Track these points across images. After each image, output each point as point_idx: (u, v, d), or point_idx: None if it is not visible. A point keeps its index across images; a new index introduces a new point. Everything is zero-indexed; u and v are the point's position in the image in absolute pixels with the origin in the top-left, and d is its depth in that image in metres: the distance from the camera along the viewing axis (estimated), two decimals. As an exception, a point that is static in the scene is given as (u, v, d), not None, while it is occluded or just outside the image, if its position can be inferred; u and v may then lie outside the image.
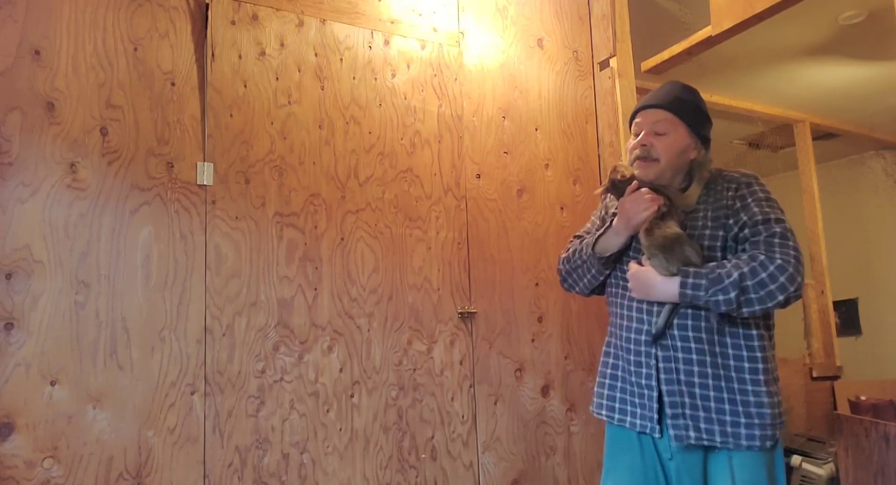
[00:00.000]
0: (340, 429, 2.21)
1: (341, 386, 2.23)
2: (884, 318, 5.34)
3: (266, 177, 2.23)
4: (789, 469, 3.26)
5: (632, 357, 1.67)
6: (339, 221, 2.32)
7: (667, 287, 1.59)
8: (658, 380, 1.60)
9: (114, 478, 1.89)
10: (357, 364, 2.27)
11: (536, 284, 2.64)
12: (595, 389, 1.80)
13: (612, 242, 1.73)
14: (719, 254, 1.63)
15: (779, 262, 1.51)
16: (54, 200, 1.93)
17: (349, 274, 2.30)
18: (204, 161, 2.14)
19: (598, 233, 1.76)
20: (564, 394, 2.63)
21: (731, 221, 1.64)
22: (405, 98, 2.51)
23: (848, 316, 5.45)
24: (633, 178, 1.72)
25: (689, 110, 1.73)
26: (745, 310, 1.52)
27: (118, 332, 1.95)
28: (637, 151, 1.73)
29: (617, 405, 1.72)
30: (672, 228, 1.64)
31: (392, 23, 2.53)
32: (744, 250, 1.59)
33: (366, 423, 2.25)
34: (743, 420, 1.54)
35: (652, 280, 1.62)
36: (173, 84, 2.13)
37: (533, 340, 2.60)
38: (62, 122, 1.97)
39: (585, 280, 1.84)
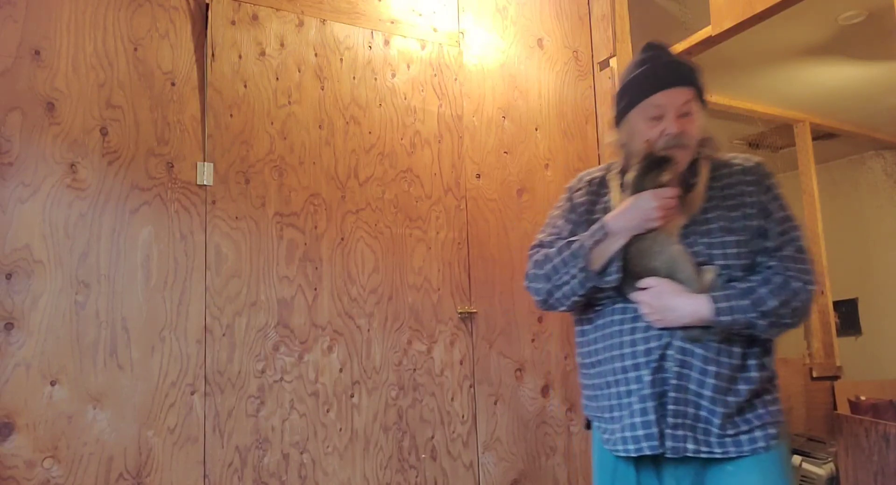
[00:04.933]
0: (340, 429, 2.21)
1: (341, 386, 2.23)
2: (884, 318, 5.34)
3: (266, 177, 2.23)
4: (789, 469, 3.25)
5: (642, 360, 1.40)
6: (339, 221, 2.32)
7: (695, 308, 1.37)
8: (666, 385, 1.38)
9: (114, 478, 1.89)
10: (357, 364, 2.27)
11: (536, 284, 2.63)
12: (600, 423, 1.50)
13: (612, 248, 1.42)
14: (745, 261, 1.41)
15: (810, 289, 1.40)
16: (54, 200, 1.93)
17: (349, 274, 2.30)
18: (204, 161, 2.14)
19: (595, 238, 1.43)
20: (564, 394, 2.63)
21: (753, 223, 1.42)
22: (405, 98, 2.51)
23: (848, 316, 5.44)
24: (672, 163, 1.42)
25: (700, 77, 1.48)
26: (771, 332, 1.40)
27: (118, 332, 1.95)
28: (668, 141, 1.42)
29: (626, 434, 1.41)
30: (671, 242, 1.42)
31: (392, 23, 2.53)
32: (768, 268, 1.41)
33: (366, 423, 2.25)
34: (743, 427, 1.39)
35: (672, 301, 1.37)
36: (173, 84, 2.13)
37: (533, 340, 2.60)
38: (62, 122, 1.97)
39: (578, 296, 1.47)
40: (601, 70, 2.91)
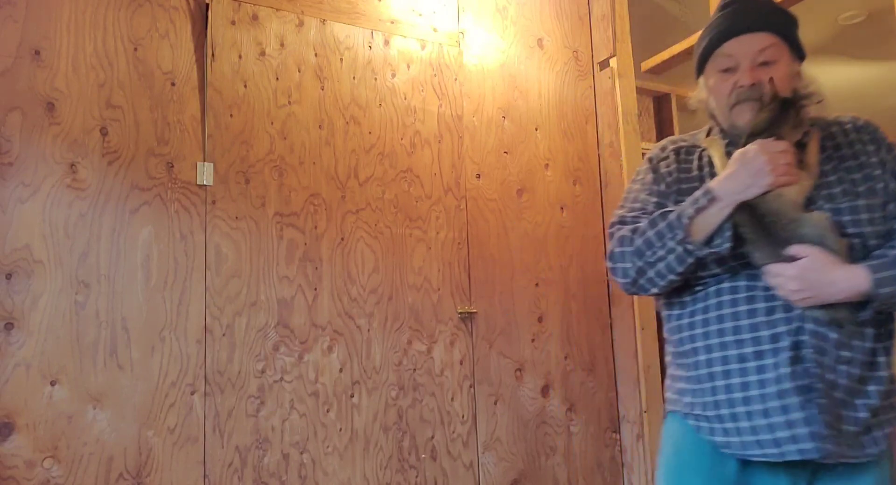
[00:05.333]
0: (340, 429, 2.21)
1: (341, 386, 2.23)
2: (884, 318, 5.33)
3: (266, 177, 2.23)
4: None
5: (767, 347, 1.20)
6: (339, 221, 2.32)
7: (853, 282, 1.17)
8: (809, 377, 1.18)
9: (114, 478, 1.89)
10: (357, 364, 2.27)
11: (536, 285, 2.64)
12: (707, 423, 1.27)
13: (718, 217, 1.21)
14: (879, 227, 1.22)
15: None
16: (54, 200, 1.93)
17: (349, 274, 2.30)
18: (204, 161, 2.14)
19: (698, 206, 1.22)
20: (564, 394, 2.63)
21: (880, 185, 1.24)
22: (405, 98, 2.51)
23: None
24: (800, 104, 1.26)
25: (790, 23, 1.32)
26: None
27: (118, 332, 1.95)
28: (741, 93, 1.27)
29: (765, 437, 1.19)
30: (800, 207, 1.21)
31: (392, 23, 2.53)
32: None
33: (366, 423, 2.25)
34: (872, 420, 1.19)
35: (830, 274, 1.17)
36: (173, 84, 2.13)
37: (533, 340, 2.60)
38: (62, 122, 1.97)
39: (675, 275, 1.27)
40: (601, 70, 2.91)
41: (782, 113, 1.23)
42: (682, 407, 1.32)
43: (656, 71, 3.54)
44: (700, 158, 1.37)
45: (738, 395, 1.21)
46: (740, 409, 1.21)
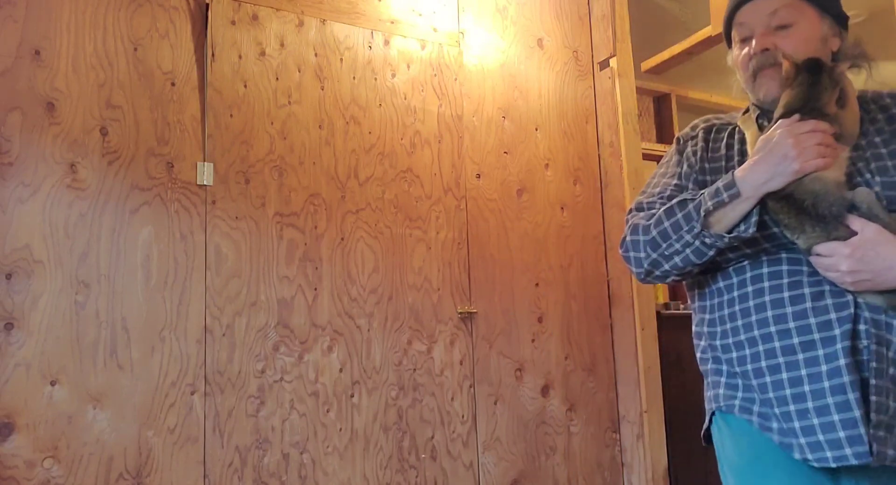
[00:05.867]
0: (340, 429, 2.21)
1: (341, 386, 2.23)
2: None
3: (266, 177, 2.23)
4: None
5: (816, 336, 1.09)
6: (339, 221, 2.32)
7: None
8: (865, 370, 1.07)
9: (114, 478, 1.89)
10: (357, 364, 2.27)
11: (536, 285, 2.64)
12: (778, 423, 1.13)
13: (739, 211, 1.12)
14: None
15: None
16: (54, 200, 1.93)
17: (349, 274, 2.30)
18: (204, 161, 2.14)
19: (718, 199, 1.13)
20: (564, 394, 2.63)
21: None
22: (405, 98, 2.51)
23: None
24: (829, 67, 1.15)
25: None
26: None
27: (118, 332, 1.95)
28: (755, 62, 1.21)
29: (819, 438, 1.07)
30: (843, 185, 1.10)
31: (392, 23, 2.53)
32: None
33: (366, 423, 2.25)
34: None
35: (890, 255, 1.05)
36: (173, 84, 2.14)
37: (533, 340, 2.60)
38: (62, 122, 1.97)
39: (693, 267, 1.19)
40: (601, 70, 2.91)
41: (814, 83, 1.11)
42: (734, 401, 1.20)
43: (656, 71, 3.55)
44: (731, 136, 1.29)
45: (787, 392, 1.10)
46: (791, 407, 1.10)
